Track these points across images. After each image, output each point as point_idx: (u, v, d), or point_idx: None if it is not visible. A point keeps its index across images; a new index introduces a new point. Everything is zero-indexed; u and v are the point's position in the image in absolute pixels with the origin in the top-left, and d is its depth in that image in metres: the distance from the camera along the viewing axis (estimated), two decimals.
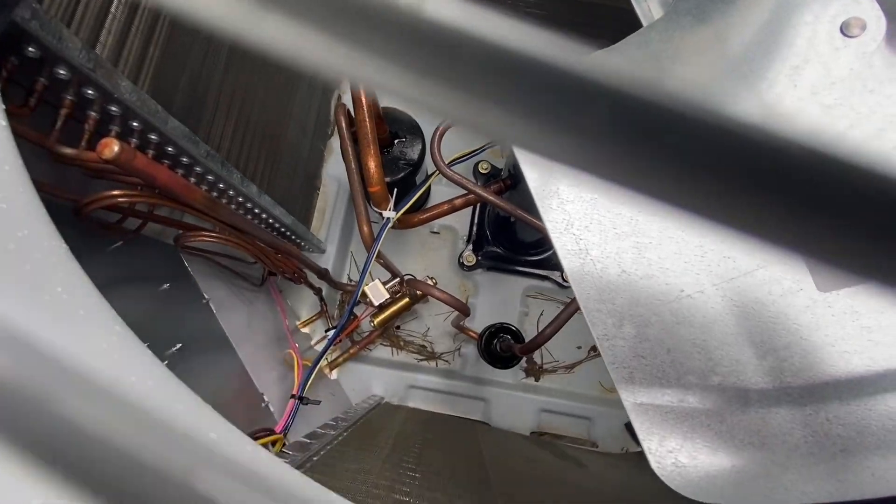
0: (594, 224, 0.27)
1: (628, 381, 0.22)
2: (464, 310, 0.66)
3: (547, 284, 1.07)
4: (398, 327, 1.06)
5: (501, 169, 1.04)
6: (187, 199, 0.40)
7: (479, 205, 1.07)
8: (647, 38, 0.24)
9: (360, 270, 0.77)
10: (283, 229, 0.79)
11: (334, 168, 1.03)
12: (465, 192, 0.68)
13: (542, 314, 1.07)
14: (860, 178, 0.08)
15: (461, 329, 0.93)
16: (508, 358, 0.84)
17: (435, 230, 1.09)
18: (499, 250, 1.06)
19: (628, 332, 0.23)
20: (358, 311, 0.98)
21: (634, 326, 0.23)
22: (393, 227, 0.63)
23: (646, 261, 0.26)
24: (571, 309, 0.53)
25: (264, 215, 0.69)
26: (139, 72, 0.39)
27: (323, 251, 1.01)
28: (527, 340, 0.81)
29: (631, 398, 0.24)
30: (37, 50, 0.30)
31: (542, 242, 0.98)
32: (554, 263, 1.05)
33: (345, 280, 1.08)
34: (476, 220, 1.07)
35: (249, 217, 0.66)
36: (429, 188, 1.08)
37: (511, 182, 0.74)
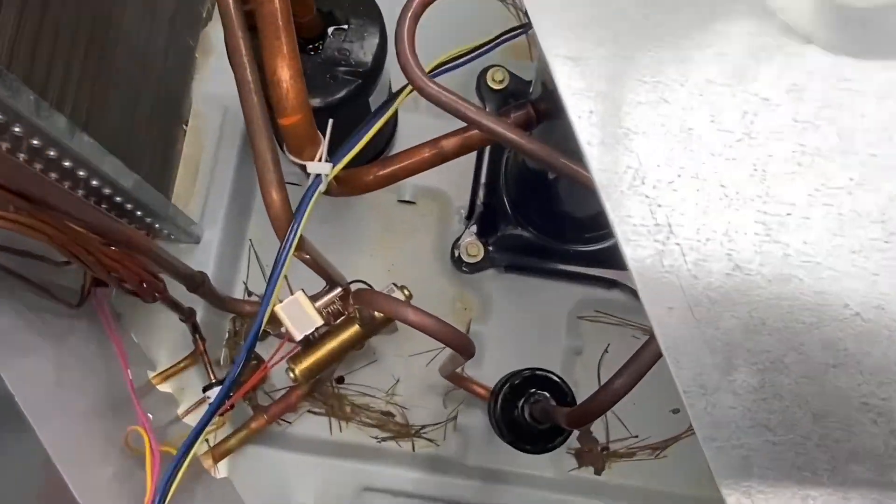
0: (687, 178, 0.28)
1: (740, 472, 0.23)
2: (463, 346, 0.67)
3: (616, 296, 1.10)
4: (340, 379, 1.07)
5: (530, 83, 1.05)
6: None
7: (487, 150, 1.09)
8: None
9: (268, 276, 0.77)
10: (118, 199, 0.79)
11: (214, 83, 1.04)
12: (461, 126, 0.69)
13: (606, 351, 1.10)
14: None
15: (458, 382, 0.95)
16: (546, 433, 0.85)
17: (407, 198, 1.11)
18: (526, 234, 1.09)
19: (743, 381, 0.24)
20: (264, 350, 1.01)
21: (755, 372, 0.23)
22: (328, 193, 0.64)
23: (779, 249, 0.27)
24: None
25: (82, 173, 0.69)
26: None
27: (197, 240, 1.02)
28: (579, 401, 0.83)
29: None
30: None
31: (602, 219, 1.00)
32: None
33: (239, 294, 1.10)
34: (484, 180, 1.09)
35: (54, 177, 0.67)
36: (394, 120, 1.09)
37: (547, 107, 0.75)
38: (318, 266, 0.76)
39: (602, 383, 1.07)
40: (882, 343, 0.24)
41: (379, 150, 1.06)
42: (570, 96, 0.28)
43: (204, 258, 1.02)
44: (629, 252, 0.28)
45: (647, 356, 0.57)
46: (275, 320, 0.73)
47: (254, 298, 1.09)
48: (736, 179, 0.27)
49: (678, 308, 0.27)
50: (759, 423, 0.23)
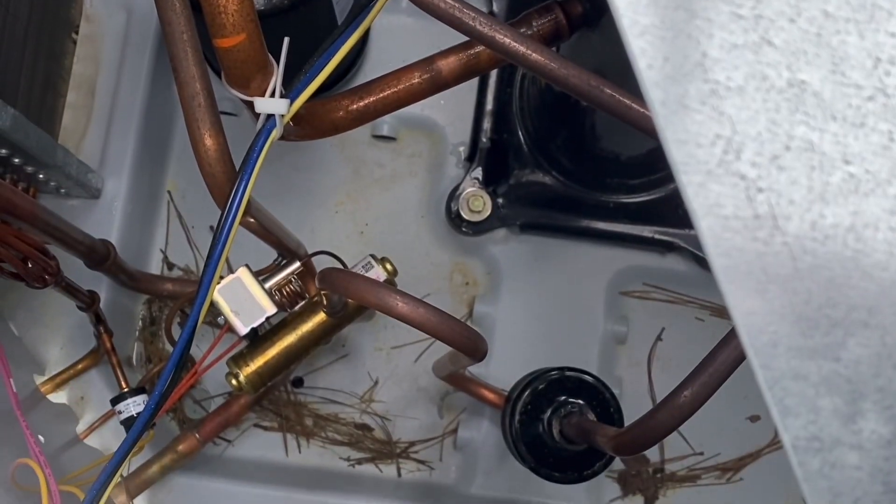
0: (798, 152, 0.28)
1: None
2: (471, 347, 0.67)
3: (673, 263, 1.11)
4: (299, 382, 1.09)
5: None
6: None
7: (496, 71, 1.08)
8: None
9: (209, 247, 0.76)
10: None
11: None
12: (462, 40, 0.68)
13: (659, 338, 1.11)
14: None
15: (459, 384, 0.96)
16: (581, 456, 0.86)
17: (385, 132, 1.11)
18: (549, 180, 1.09)
19: (872, 432, 0.24)
20: (194, 346, 1.00)
21: (889, 419, 0.24)
22: (284, 138, 0.63)
23: None
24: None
25: None
26: None
27: (96, 193, 1.02)
28: (626, 410, 0.84)
29: None
30: None
31: (655, 158, 1.00)
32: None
33: (155, 266, 1.10)
34: (491, 106, 1.09)
35: None
36: (366, 35, 1.07)
37: (584, 9, 0.74)
38: (268, 232, 0.76)
39: (654, 383, 1.10)
40: None
41: (343, 68, 1.05)
42: (637, 37, 0.28)
43: (106, 219, 1.02)
44: (704, 226, 0.27)
45: (729, 355, 0.58)
46: (211, 305, 0.74)
47: (176, 273, 1.10)
48: (865, 153, 0.27)
49: (785, 332, 0.27)
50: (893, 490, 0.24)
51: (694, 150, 0.28)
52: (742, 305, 0.28)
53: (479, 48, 0.70)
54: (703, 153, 0.28)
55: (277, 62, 0.60)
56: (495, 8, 1.07)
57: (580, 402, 0.84)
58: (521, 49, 0.60)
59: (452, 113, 1.10)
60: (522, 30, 0.72)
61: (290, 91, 0.60)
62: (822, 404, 0.26)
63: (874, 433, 0.26)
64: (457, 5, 0.60)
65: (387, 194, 1.12)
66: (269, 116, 0.59)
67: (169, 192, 1.10)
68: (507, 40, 0.60)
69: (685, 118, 0.28)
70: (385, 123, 1.10)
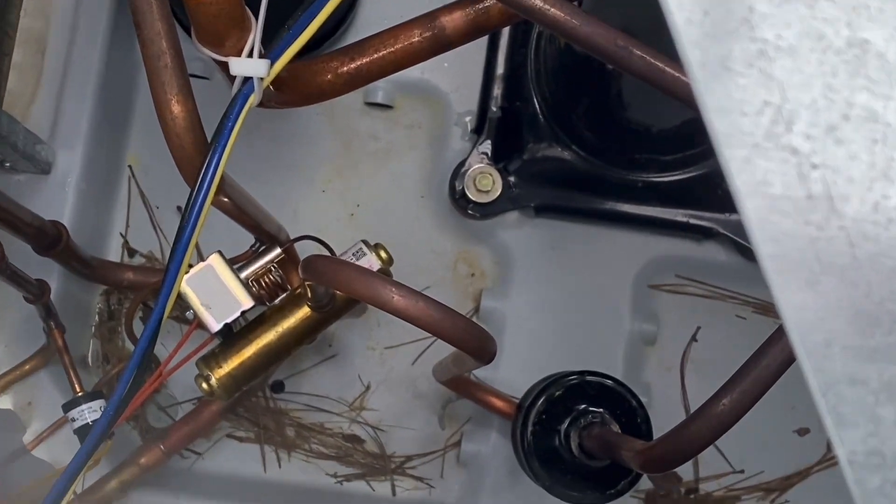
0: (858, 122, 0.28)
1: None
2: (478, 348, 0.67)
3: (711, 252, 1.11)
4: (279, 386, 1.09)
5: None
6: None
7: (509, 30, 1.08)
8: None
9: (177, 230, 0.76)
10: None
11: None
12: None
13: (694, 339, 1.11)
14: None
15: (463, 390, 0.96)
16: (603, 473, 0.86)
17: (380, 100, 1.11)
18: (568, 155, 1.09)
19: None
20: (163, 345, 0.99)
21: None
22: (264, 105, 0.63)
23: None
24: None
25: None
26: None
27: (45, 168, 1.02)
28: (655, 420, 0.84)
29: None
30: None
31: (692, 130, 1.00)
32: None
33: (114, 253, 1.10)
34: (502, 70, 1.09)
35: None
36: None
37: None
38: (244, 214, 0.76)
39: (687, 390, 1.10)
40: None
41: (332, 24, 1.04)
42: None
43: (57, 197, 1.02)
44: (763, 243, 0.27)
45: (774, 358, 0.58)
46: (179, 298, 0.74)
47: (137, 260, 1.10)
48: None
49: (841, 330, 0.27)
50: None
51: (738, 119, 0.28)
52: (792, 300, 0.28)
53: (489, 2, 0.70)
54: (749, 123, 0.28)
55: (256, 18, 0.60)
56: None
57: (602, 410, 0.84)
58: (538, 3, 0.60)
59: (457, 77, 1.10)
60: None
61: (270, 51, 0.60)
62: (884, 413, 0.26)
63: None
64: None
65: (382, 171, 1.12)
66: (247, 80, 0.59)
67: (130, 166, 1.11)
68: None
69: (728, 83, 0.28)
70: (380, 89, 1.10)
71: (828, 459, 1.07)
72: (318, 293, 0.80)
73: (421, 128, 1.12)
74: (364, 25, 1.08)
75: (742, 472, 1.08)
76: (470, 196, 1.06)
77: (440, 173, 1.10)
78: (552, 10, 0.60)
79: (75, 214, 1.02)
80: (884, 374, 0.27)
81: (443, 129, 1.12)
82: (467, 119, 1.10)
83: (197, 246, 0.97)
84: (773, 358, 0.56)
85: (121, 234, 1.10)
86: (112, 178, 1.10)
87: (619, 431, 0.83)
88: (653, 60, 0.59)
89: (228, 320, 0.75)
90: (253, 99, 0.59)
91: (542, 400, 0.85)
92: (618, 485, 0.84)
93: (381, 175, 1.12)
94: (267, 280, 0.81)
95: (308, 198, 1.11)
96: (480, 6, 0.71)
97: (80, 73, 1.03)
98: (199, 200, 0.58)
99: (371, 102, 1.11)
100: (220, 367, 0.81)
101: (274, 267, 0.81)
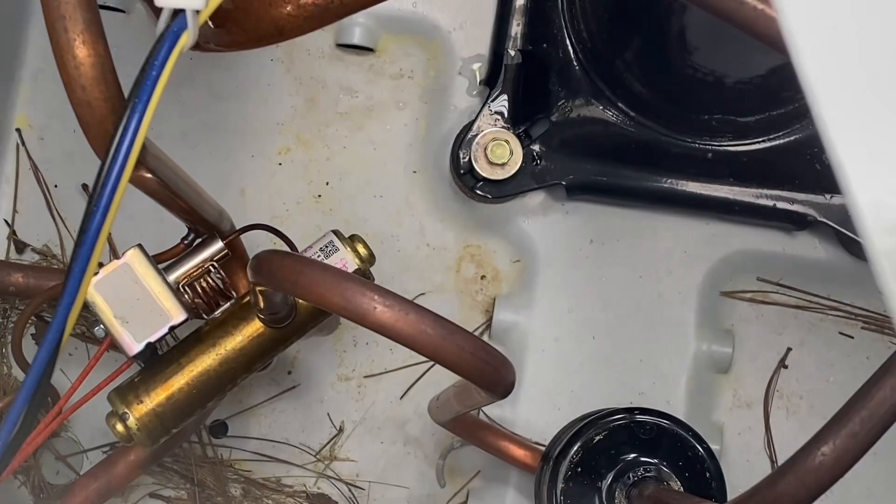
0: None
1: None
2: (490, 376, 0.67)
3: (806, 248, 1.11)
4: (220, 429, 1.09)
5: None
6: None
7: None
8: None
9: (83, 217, 0.77)
10: None
11: None
12: None
13: (784, 365, 1.11)
14: None
15: (470, 434, 0.97)
16: None
17: (356, 41, 1.11)
18: (611, 116, 1.09)
19: None
20: (64, 373, 0.99)
21: None
22: (200, 47, 0.63)
23: None
24: None
25: None
26: None
27: None
28: (731, 479, 0.84)
29: None
30: None
31: (781, 82, 1.00)
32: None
33: (0, 252, 1.11)
34: (524, 1, 1.08)
35: None
36: None
37: None
38: (174, 195, 0.76)
39: (773, 431, 1.10)
40: None
41: None
42: None
43: None
44: (879, 235, 0.27)
45: (893, 392, 0.58)
46: (86, 308, 0.74)
47: (30, 257, 1.10)
48: None
49: None
50: None
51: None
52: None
53: None
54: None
55: None
56: None
57: (658, 462, 0.85)
58: None
59: (462, 9, 1.11)
60: None
61: None
62: None
63: None
64: None
65: (359, 137, 1.12)
66: (177, 13, 0.59)
67: (18, 130, 1.10)
68: None
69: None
70: (357, 26, 1.10)
71: None
72: (274, 302, 0.80)
73: (413, 78, 1.13)
74: None
75: None
76: (479, 171, 1.06)
77: (439, 140, 1.11)
78: None
79: None
80: None
81: (443, 79, 1.12)
82: (475, 67, 1.11)
83: (110, 238, 0.97)
84: (891, 392, 0.56)
85: (5, 222, 1.10)
86: None
87: (682, 490, 0.83)
88: None
89: (152, 339, 0.76)
90: (186, 38, 0.59)
91: (576, 447, 0.85)
92: None
93: (357, 142, 1.12)
94: (205, 284, 0.81)
95: (260, 173, 1.11)
96: None
97: None
98: (113, 177, 0.58)
99: (345, 44, 1.11)
100: (142, 401, 0.81)
101: (214, 266, 0.81)
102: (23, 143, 1.10)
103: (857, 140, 0.28)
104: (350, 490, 1.09)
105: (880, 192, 0.28)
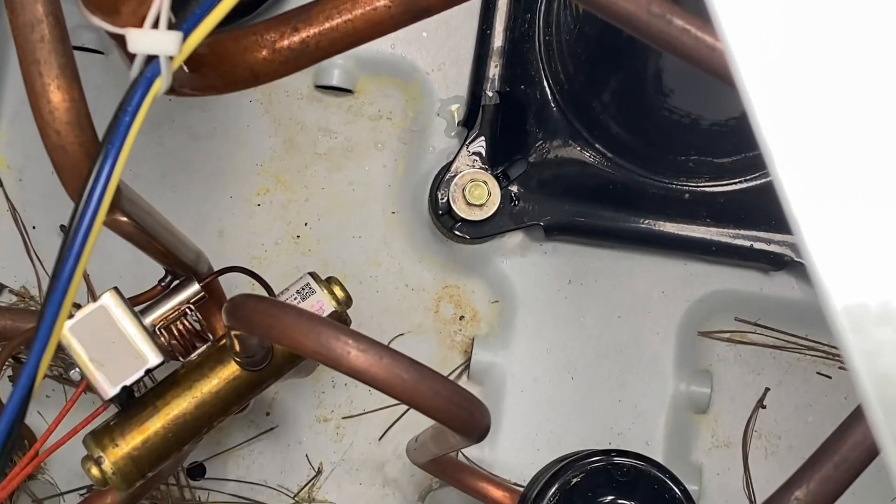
0: None
1: None
2: (465, 416, 0.67)
3: (782, 289, 1.12)
4: (198, 471, 1.09)
5: None
6: None
7: None
8: None
9: (56, 259, 0.77)
10: None
11: None
12: None
13: (762, 405, 1.11)
14: None
15: (448, 476, 0.97)
16: None
17: (335, 82, 1.12)
18: (590, 157, 1.10)
19: None
20: (34, 414, 1.00)
21: None
22: (175, 92, 0.63)
23: None
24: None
25: None
26: None
27: None
28: None
29: None
30: None
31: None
32: None
33: None
34: (501, 42, 1.09)
35: None
36: None
37: None
38: (150, 238, 0.76)
39: (751, 473, 1.10)
40: None
41: None
42: None
43: None
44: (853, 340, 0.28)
45: (867, 434, 0.58)
46: (62, 350, 0.74)
47: (7, 299, 1.10)
48: None
49: None
50: None
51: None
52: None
53: None
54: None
55: None
56: None
57: None
58: None
59: (440, 51, 1.11)
60: None
61: (182, 20, 0.60)
62: None
63: None
64: None
65: (338, 177, 1.13)
66: (151, 58, 0.59)
67: None
68: None
69: None
70: (336, 68, 1.11)
71: None
72: (250, 345, 0.80)
73: (391, 119, 1.13)
74: None
75: None
76: (457, 211, 1.06)
77: (417, 181, 1.11)
78: None
79: None
80: None
81: (421, 120, 1.13)
82: (453, 108, 1.11)
83: (87, 279, 0.97)
84: (866, 433, 0.57)
85: None
86: None
87: None
88: (699, 34, 0.60)
89: (128, 383, 0.75)
90: (159, 84, 0.59)
91: (553, 489, 0.85)
92: None
93: (336, 183, 1.13)
94: (181, 327, 0.81)
95: (239, 214, 1.11)
96: None
97: None
98: (87, 219, 0.58)
99: (324, 86, 1.12)
100: (117, 445, 0.81)
101: (190, 309, 0.81)
102: (0, 185, 1.10)
103: (811, 197, 0.28)
104: None
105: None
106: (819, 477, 0.57)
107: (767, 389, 1.11)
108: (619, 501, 0.84)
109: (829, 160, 0.30)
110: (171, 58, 0.59)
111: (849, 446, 0.56)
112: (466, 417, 0.67)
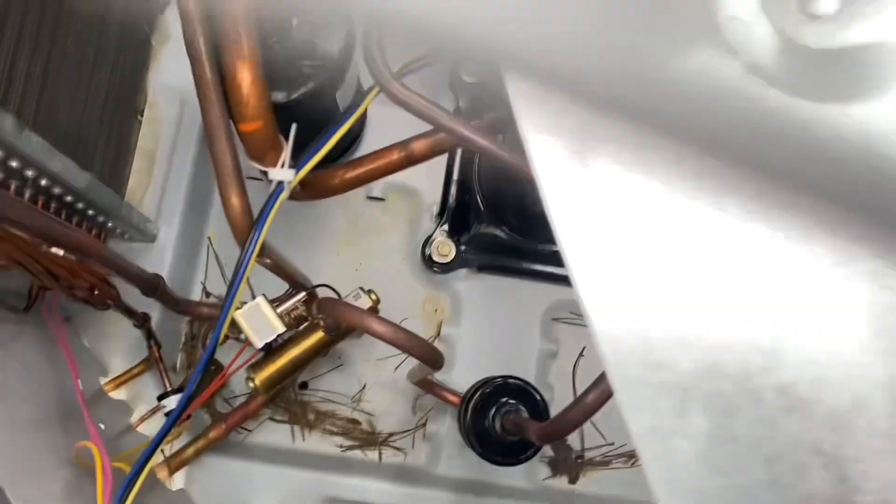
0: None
1: None
2: (431, 358, 0.68)
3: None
4: (304, 385, 1.09)
5: None
6: None
7: (460, 151, 1.10)
8: None
9: (228, 279, 0.78)
10: (69, 199, 0.79)
11: (171, 71, 1.03)
12: (430, 128, 0.71)
13: (581, 355, 1.12)
14: None
15: (427, 388, 0.97)
16: (518, 445, 0.87)
17: (376, 194, 1.13)
18: (499, 233, 1.11)
19: (697, 425, 0.25)
20: (224, 355, 0.99)
21: (710, 415, 0.25)
22: (292, 198, 0.65)
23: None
24: None
25: (30, 173, 0.69)
26: None
27: (152, 238, 1.02)
28: (553, 411, 0.85)
29: None
30: None
31: None
32: None
33: (196, 294, 1.11)
34: (457, 177, 1.11)
35: (0, 177, 0.67)
36: (362, 120, 1.09)
37: None
38: (281, 270, 0.77)
39: (577, 389, 1.11)
40: (835, 389, 0.25)
41: (346, 146, 1.06)
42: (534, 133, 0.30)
43: (159, 257, 1.02)
44: (579, 281, 0.28)
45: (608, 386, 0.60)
46: (235, 325, 0.75)
47: (212, 300, 1.10)
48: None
49: (633, 353, 0.28)
50: (714, 467, 0.25)
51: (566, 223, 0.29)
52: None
53: (443, 135, 0.72)
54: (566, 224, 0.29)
55: (287, 140, 0.62)
56: (461, 104, 1.09)
57: (516, 404, 0.85)
58: (470, 135, 0.62)
59: (428, 180, 1.12)
60: (475, 125, 0.74)
61: (297, 163, 0.62)
62: (662, 404, 0.27)
63: (700, 425, 0.27)
64: (428, 105, 0.62)
65: (376, 241, 1.13)
66: (279, 182, 0.60)
67: (209, 238, 1.11)
68: (462, 129, 0.62)
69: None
70: (376, 187, 1.11)
71: None
72: (329, 323, 0.81)
73: (403, 213, 1.13)
74: (367, 146, 1.09)
75: (613, 444, 1.09)
76: (435, 259, 1.07)
77: (415, 243, 1.11)
78: (480, 139, 0.62)
79: (171, 269, 1.02)
80: (680, 371, 0.28)
81: (418, 214, 1.13)
82: (434, 207, 1.11)
83: (251, 288, 0.97)
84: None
85: (201, 283, 1.10)
86: (196, 245, 1.10)
87: (528, 416, 0.84)
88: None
89: (268, 341, 0.76)
90: (283, 195, 0.61)
91: (477, 395, 0.85)
92: (527, 452, 0.84)
93: (376, 244, 1.13)
94: (295, 314, 0.82)
95: (326, 258, 1.11)
96: (438, 136, 0.73)
97: (176, 175, 1.04)
98: (246, 260, 0.60)
99: (370, 196, 1.12)
100: (262, 372, 0.81)
101: (300, 305, 0.82)
102: (210, 245, 1.10)
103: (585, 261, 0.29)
104: (368, 416, 1.09)
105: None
106: (601, 388, 0.58)
107: (584, 347, 1.11)
108: (510, 401, 0.84)
109: (596, 252, 0.31)
110: (289, 182, 0.60)
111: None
112: (433, 358, 0.68)
